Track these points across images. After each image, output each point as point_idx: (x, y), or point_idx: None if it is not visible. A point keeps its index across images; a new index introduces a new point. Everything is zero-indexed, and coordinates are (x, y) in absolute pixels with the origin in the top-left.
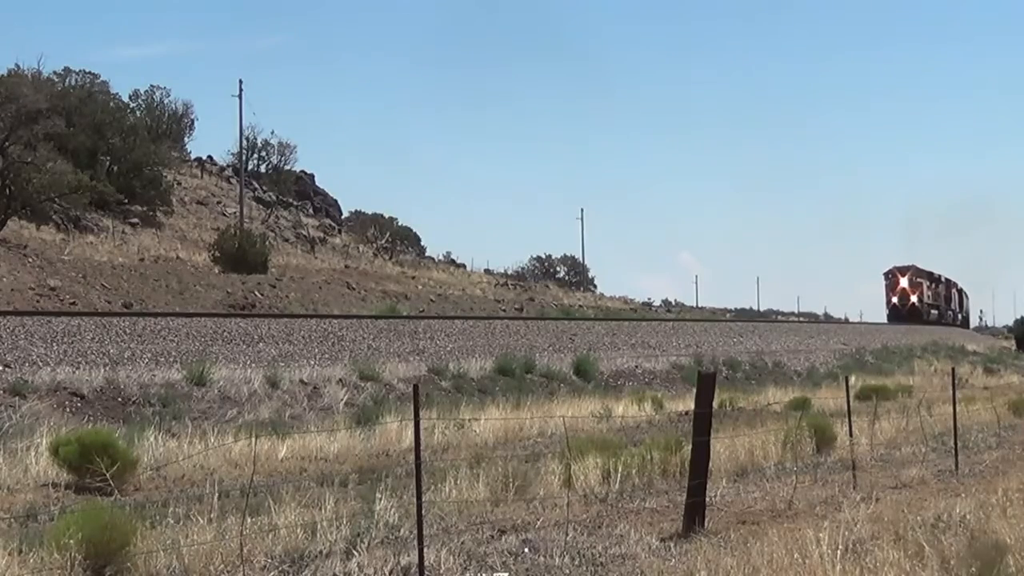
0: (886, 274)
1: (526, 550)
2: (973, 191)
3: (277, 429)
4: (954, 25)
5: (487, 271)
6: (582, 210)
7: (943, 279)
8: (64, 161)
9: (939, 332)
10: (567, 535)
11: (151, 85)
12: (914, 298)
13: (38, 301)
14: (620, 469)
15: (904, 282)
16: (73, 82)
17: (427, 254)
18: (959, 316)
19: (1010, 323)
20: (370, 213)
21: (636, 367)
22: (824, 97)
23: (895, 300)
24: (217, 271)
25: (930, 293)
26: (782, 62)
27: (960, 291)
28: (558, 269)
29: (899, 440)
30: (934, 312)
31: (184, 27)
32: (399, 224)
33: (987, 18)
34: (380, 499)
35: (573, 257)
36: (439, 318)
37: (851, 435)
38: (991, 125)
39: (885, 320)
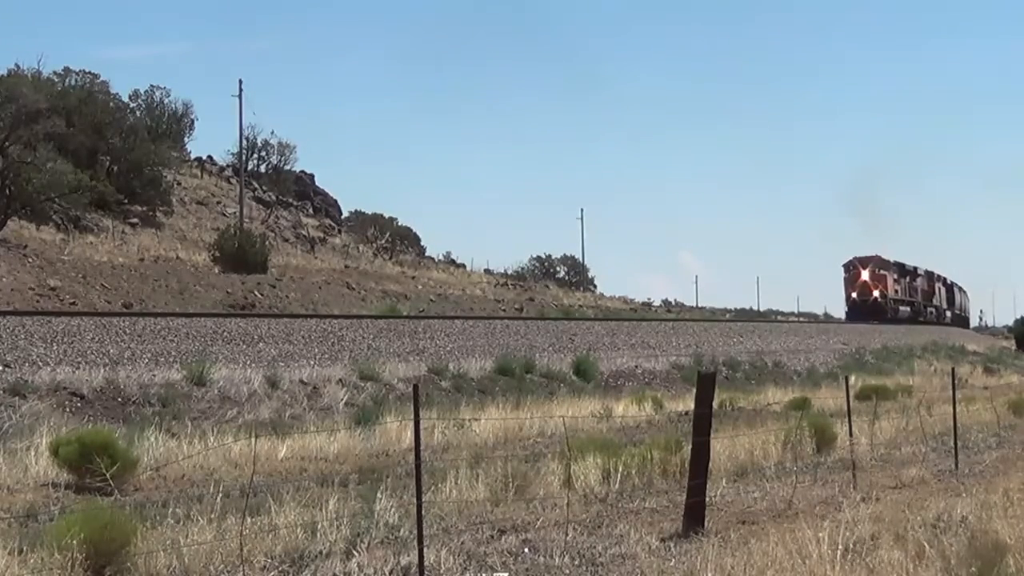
0: (846, 266)
1: (526, 550)
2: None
3: (277, 429)
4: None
5: (487, 271)
6: (582, 210)
7: (921, 272)
8: (64, 161)
9: (939, 332)
10: (567, 535)
11: (151, 85)
12: (876, 293)
13: (38, 301)
14: (620, 469)
15: (865, 275)
16: (73, 82)
17: (427, 254)
18: (947, 314)
19: (1010, 323)
20: (370, 213)
21: (636, 367)
22: (822, 97)
23: (854, 295)
24: (217, 271)
25: (898, 287)
26: (781, 60)
27: (950, 286)
28: (558, 269)
29: (899, 440)
30: (905, 309)
31: (184, 27)
32: (399, 224)
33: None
34: (380, 499)
35: (573, 257)
36: (439, 318)
37: (851, 435)
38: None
39: (845, 318)
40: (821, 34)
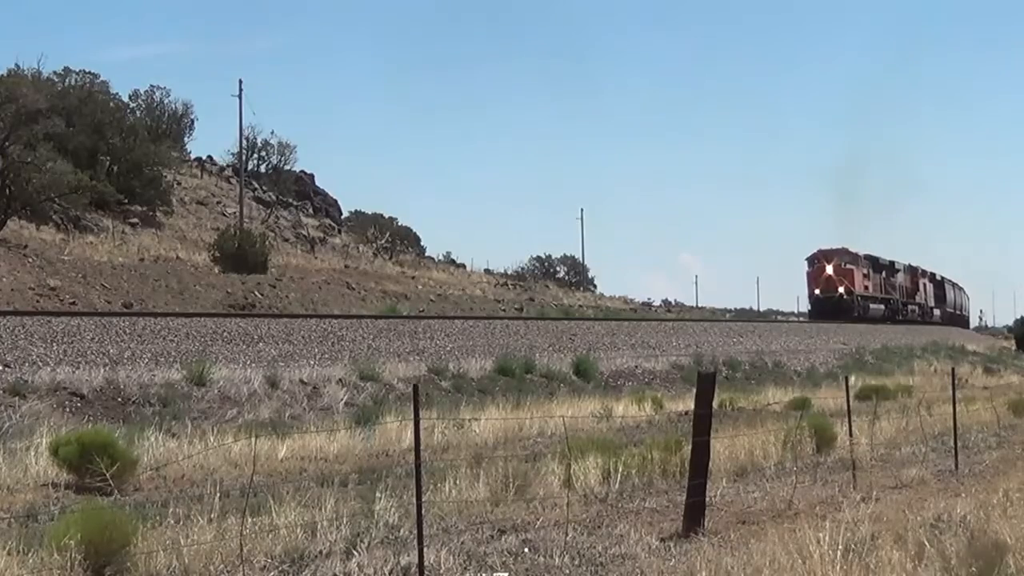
0: (809, 259)
1: (526, 550)
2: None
3: (277, 429)
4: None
5: (487, 271)
6: (582, 210)
7: (901, 267)
8: (64, 161)
9: (939, 332)
10: (567, 535)
11: (151, 85)
12: (842, 289)
13: (38, 301)
14: (620, 469)
15: (830, 269)
16: (73, 82)
17: (427, 254)
18: (934, 312)
19: (1010, 323)
20: (370, 213)
21: (636, 367)
22: (822, 97)
23: (818, 291)
24: (217, 271)
25: (869, 283)
26: (782, 60)
27: (940, 283)
28: (558, 269)
29: (899, 440)
30: (877, 307)
31: (184, 27)
32: (399, 224)
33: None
34: (380, 499)
35: (573, 257)
36: (439, 318)
37: (851, 435)
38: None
39: (809, 316)
40: (821, 33)
